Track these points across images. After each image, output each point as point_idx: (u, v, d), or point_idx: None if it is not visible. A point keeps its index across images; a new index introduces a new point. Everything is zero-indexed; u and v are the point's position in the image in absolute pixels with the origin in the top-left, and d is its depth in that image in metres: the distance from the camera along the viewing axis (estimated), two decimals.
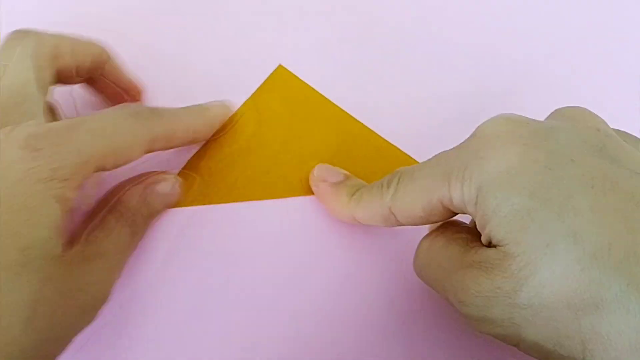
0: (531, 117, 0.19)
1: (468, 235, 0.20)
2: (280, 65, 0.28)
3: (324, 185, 0.25)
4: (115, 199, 0.23)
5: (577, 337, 0.15)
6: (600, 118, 0.19)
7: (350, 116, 0.27)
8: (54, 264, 0.19)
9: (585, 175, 0.16)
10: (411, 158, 0.26)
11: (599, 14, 0.30)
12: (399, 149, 0.27)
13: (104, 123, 0.21)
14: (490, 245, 0.17)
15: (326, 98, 0.27)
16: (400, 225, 0.22)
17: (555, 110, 0.20)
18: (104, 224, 0.22)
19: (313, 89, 0.27)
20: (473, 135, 0.19)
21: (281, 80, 0.27)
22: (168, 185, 0.25)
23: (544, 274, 0.15)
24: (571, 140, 0.17)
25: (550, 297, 0.15)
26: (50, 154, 0.19)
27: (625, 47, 0.29)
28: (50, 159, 0.19)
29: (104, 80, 0.26)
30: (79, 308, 0.20)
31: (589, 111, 0.19)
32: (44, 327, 0.18)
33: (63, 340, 0.20)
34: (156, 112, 0.23)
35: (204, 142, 0.27)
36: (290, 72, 0.28)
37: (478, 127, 0.19)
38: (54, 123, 0.20)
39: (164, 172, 0.25)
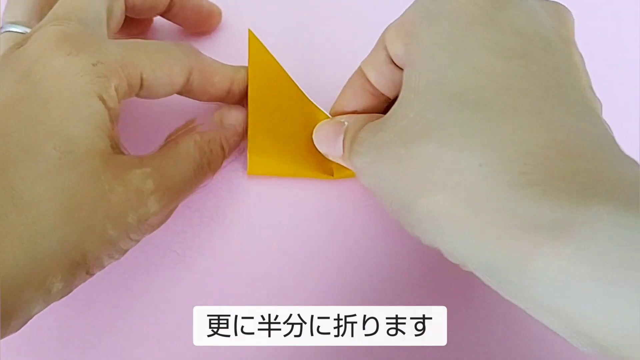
0: None
1: None
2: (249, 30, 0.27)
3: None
4: (191, 124, 0.23)
5: None
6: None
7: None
8: (97, 161, 0.19)
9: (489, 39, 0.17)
10: None
11: (599, 14, 0.30)
12: None
13: (147, 41, 0.22)
14: None
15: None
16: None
17: None
18: (171, 138, 0.22)
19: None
20: None
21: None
22: (239, 112, 0.25)
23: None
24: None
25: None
26: (90, 50, 0.19)
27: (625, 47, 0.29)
28: (89, 54, 0.19)
29: (183, 11, 0.27)
30: (119, 217, 0.19)
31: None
32: (80, 223, 0.18)
33: (100, 245, 0.19)
34: (196, 49, 0.23)
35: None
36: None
37: None
38: (100, 34, 0.21)
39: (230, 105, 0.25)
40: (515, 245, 0.14)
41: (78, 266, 0.18)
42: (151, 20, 0.29)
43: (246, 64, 0.25)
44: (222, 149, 0.24)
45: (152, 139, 0.23)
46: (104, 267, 0.20)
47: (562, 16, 0.18)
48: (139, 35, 0.28)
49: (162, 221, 0.21)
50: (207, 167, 0.23)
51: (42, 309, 0.18)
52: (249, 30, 0.25)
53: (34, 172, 0.17)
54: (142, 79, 0.21)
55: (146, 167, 0.20)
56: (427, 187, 0.17)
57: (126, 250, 0.20)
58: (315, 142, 0.25)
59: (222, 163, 0.24)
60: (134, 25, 0.27)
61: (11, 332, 0.18)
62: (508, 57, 0.17)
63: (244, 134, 0.25)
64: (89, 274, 0.19)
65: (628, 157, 0.15)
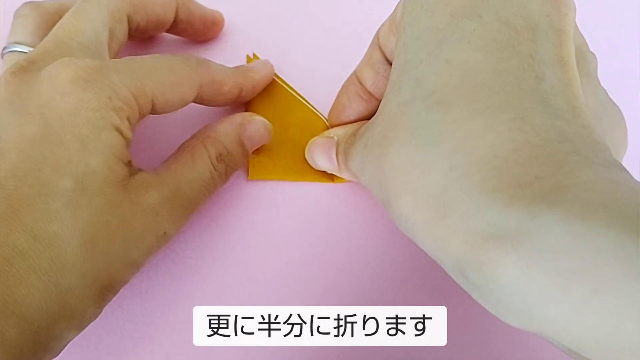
0: None
1: None
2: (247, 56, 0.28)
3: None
4: (205, 132, 0.23)
5: None
6: None
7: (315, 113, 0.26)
8: (115, 190, 0.19)
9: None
10: None
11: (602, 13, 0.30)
12: None
13: (155, 60, 0.21)
14: None
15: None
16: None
17: None
18: (186, 149, 0.22)
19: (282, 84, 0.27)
20: None
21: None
22: (261, 123, 0.25)
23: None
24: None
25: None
26: (103, 85, 0.19)
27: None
28: (103, 89, 0.19)
29: (190, 25, 0.27)
30: (140, 240, 0.19)
31: None
32: (104, 252, 0.18)
33: (125, 269, 0.19)
34: (204, 61, 0.23)
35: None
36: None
37: None
38: (107, 60, 0.21)
39: (252, 114, 0.25)
40: (481, 252, 0.14)
41: (106, 291, 0.19)
42: (155, 37, 0.29)
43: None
44: (238, 162, 0.24)
45: (159, 139, 0.23)
46: (127, 283, 0.20)
47: (560, 4, 0.17)
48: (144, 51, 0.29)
49: (174, 236, 0.22)
50: (219, 183, 0.23)
51: (77, 334, 0.19)
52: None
53: (51, 210, 0.18)
54: (153, 104, 0.21)
55: (163, 187, 0.20)
56: (399, 189, 0.17)
57: (143, 264, 0.21)
58: (309, 161, 0.25)
59: (234, 168, 0.24)
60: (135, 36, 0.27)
61: None
62: (488, 50, 0.16)
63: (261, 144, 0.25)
64: (116, 293, 0.20)
65: (606, 160, 0.15)
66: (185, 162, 0.22)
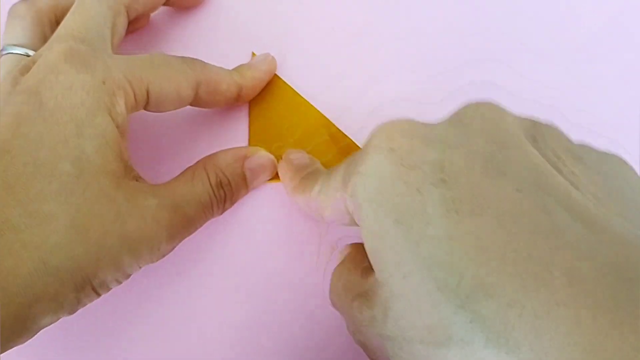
0: (431, 122, 0.16)
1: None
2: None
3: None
4: (208, 160, 0.23)
5: None
6: (509, 117, 0.16)
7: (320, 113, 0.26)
8: (109, 182, 0.19)
9: (452, 198, 0.14)
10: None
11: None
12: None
13: (152, 55, 0.22)
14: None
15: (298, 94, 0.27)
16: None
17: (459, 110, 0.17)
18: (188, 171, 0.22)
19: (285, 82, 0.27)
20: (367, 140, 0.17)
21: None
22: (265, 157, 0.24)
23: (400, 306, 0.14)
24: (452, 155, 0.15)
25: (407, 330, 0.14)
26: (98, 68, 0.19)
27: None
28: (97, 71, 0.19)
29: None
30: (134, 244, 0.19)
31: (494, 111, 0.16)
32: (96, 243, 0.18)
33: (112, 269, 0.19)
34: (201, 61, 0.23)
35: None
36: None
37: (372, 130, 0.17)
38: (105, 51, 0.21)
39: (257, 148, 0.25)
40: None
41: (87, 284, 0.18)
42: (149, 16, 0.29)
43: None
44: (238, 194, 0.24)
45: (159, 146, 0.23)
46: (109, 290, 0.20)
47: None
48: (139, 29, 0.29)
49: (166, 254, 0.21)
50: (216, 210, 0.23)
51: (51, 322, 0.18)
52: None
53: (48, 190, 0.18)
54: (148, 93, 0.21)
55: (161, 198, 0.20)
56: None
57: (130, 275, 0.20)
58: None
59: (234, 200, 0.24)
60: (131, 23, 0.27)
61: (20, 343, 0.18)
62: None
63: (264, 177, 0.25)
64: (97, 293, 0.19)
65: None
66: (184, 182, 0.22)
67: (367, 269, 0.17)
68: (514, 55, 0.28)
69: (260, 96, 0.26)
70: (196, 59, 0.23)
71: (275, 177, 0.26)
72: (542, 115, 0.20)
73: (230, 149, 0.24)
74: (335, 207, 0.18)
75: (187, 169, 0.23)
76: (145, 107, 0.22)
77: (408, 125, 0.16)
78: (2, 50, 0.24)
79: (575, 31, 0.28)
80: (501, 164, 0.15)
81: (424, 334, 0.14)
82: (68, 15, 0.22)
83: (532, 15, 0.28)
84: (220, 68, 0.24)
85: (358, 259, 0.19)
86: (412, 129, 0.16)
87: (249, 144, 0.26)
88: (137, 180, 0.20)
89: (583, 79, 0.26)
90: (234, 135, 0.26)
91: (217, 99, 0.24)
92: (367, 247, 0.15)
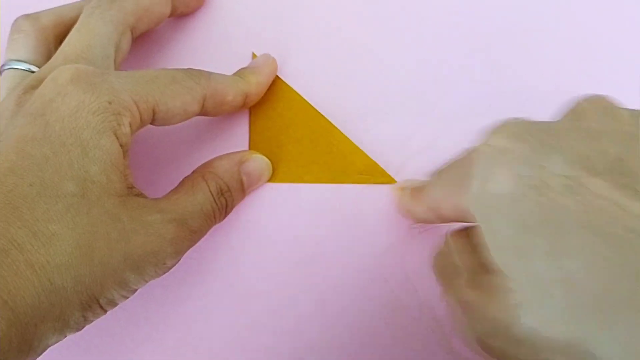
0: (541, 121, 0.16)
1: None
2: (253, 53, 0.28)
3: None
4: (205, 167, 0.23)
5: None
6: (626, 113, 0.16)
7: (323, 116, 0.26)
8: (113, 202, 0.19)
9: (583, 209, 0.14)
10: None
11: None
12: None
13: (157, 71, 0.22)
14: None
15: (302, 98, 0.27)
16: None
17: (572, 106, 0.17)
18: (187, 181, 0.22)
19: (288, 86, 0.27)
20: (474, 148, 0.17)
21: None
22: (261, 160, 0.25)
23: (537, 316, 0.14)
24: (573, 159, 0.15)
25: (544, 340, 0.14)
26: (104, 89, 0.19)
27: None
28: (103, 92, 0.19)
29: (184, 5, 0.27)
30: (139, 261, 0.19)
31: (610, 108, 0.16)
32: (101, 262, 0.18)
33: (117, 287, 0.19)
34: (206, 72, 0.23)
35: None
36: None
37: (484, 135, 0.17)
38: (110, 70, 0.21)
39: (252, 152, 0.25)
40: None
41: (93, 303, 0.19)
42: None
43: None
44: (237, 199, 0.24)
45: (159, 146, 0.23)
46: (116, 305, 0.20)
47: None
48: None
49: (172, 267, 0.21)
50: (218, 217, 0.23)
51: (57, 341, 0.18)
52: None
53: (53, 210, 0.18)
54: (154, 112, 0.21)
55: (165, 213, 0.20)
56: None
57: (136, 290, 0.20)
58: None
59: (233, 205, 0.24)
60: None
61: None
62: None
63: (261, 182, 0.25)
64: (103, 310, 0.19)
65: None
66: (185, 193, 0.21)
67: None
68: (514, 53, 0.28)
69: (261, 97, 0.26)
70: (202, 71, 0.23)
71: (274, 178, 0.26)
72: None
73: (225, 155, 0.24)
74: (455, 207, 0.18)
75: (185, 179, 0.23)
76: (152, 122, 0.22)
77: (518, 126, 0.16)
78: (3, 65, 0.23)
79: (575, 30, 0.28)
80: (622, 173, 0.15)
81: (564, 347, 0.14)
82: (72, 32, 0.22)
83: (542, 27, 0.28)
84: (225, 77, 0.24)
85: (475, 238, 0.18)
86: (523, 129, 0.16)
87: (250, 145, 0.26)
88: (138, 196, 0.20)
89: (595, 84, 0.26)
90: (235, 136, 0.26)
91: (223, 109, 0.24)
92: (490, 249, 0.16)
